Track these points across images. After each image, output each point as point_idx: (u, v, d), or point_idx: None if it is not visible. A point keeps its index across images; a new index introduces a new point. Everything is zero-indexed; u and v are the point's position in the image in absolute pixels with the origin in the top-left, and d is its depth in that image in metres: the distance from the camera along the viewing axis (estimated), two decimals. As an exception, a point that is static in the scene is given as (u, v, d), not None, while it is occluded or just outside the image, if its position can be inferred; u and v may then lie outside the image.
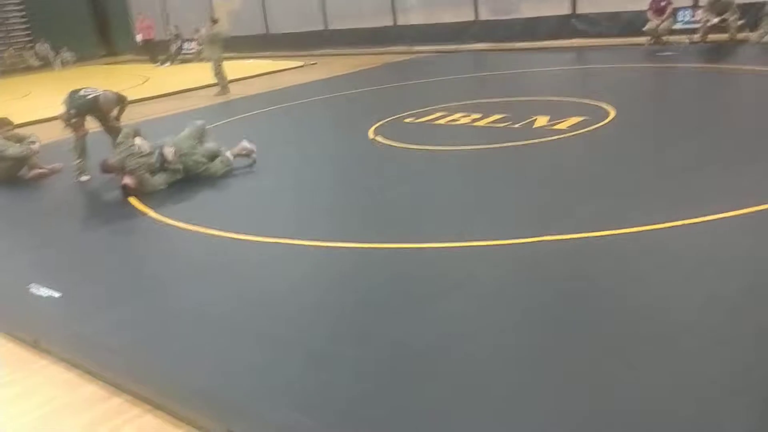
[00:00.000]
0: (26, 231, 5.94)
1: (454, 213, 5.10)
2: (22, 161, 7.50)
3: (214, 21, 13.17)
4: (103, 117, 7.35)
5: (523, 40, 14.79)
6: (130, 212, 5.96)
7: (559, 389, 2.75)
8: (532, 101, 8.78)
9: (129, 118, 11.15)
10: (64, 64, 24.17)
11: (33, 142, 7.62)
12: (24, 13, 24.84)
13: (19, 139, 7.69)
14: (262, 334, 3.51)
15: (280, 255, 4.60)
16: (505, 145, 6.75)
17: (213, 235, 5.06)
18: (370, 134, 7.87)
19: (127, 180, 6.30)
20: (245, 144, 6.99)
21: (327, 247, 4.57)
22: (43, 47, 24.61)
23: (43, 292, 4.36)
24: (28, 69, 23.64)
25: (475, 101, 9.17)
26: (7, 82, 20.31)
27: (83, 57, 24.85)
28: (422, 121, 8.34)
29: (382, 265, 4.25)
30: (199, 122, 7.10)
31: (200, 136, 6.88)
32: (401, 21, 17.45)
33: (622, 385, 2.71)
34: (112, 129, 7.31)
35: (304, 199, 5.96)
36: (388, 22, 17.58)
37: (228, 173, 6.68)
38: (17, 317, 4.15)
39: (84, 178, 7.20)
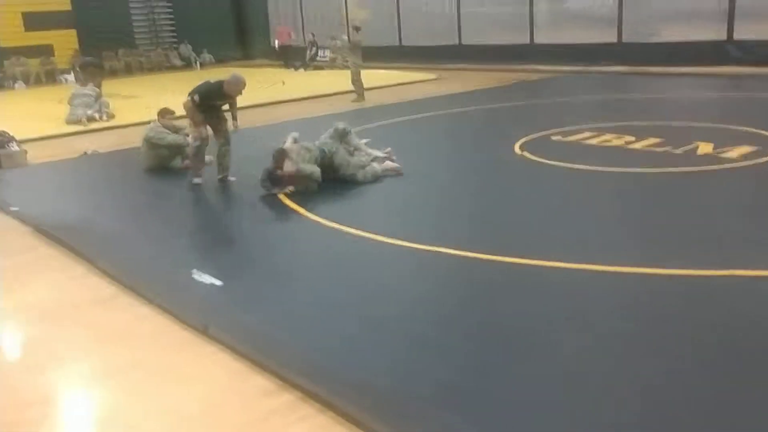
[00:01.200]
0: (182, 218, 6.14)
1: (614, 236, 4.80)
2: (177, 150, 7.78)
3: (357, 29, 13.34)
4: (228, 102, 6.94)
5: (668, 65, 14.06)
6: (280, 207, 6.04)
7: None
8: (689, 127, 8.26)
9: (271, 118, 11.57)
10: (203, 65, 25.39)
11: (187, 135, 7.90)
12: (172, 16, 26.35)
13: (175, 130, 8.00)
14: (428, 339, 3.38)
15: (439, 262, 4.48)
16: (667, 170, 6.34)
17: (364, 237, 5.02)
18: (517, 149, 7.64)
19: (292, 188, 6.36)
20: (392, 164, 6.95)
21: (473, 258, 4.40)
22: (185, 48, 25.99)
23: (206, 279, 4.43)
24: (171, 68, 24.99)
25: (624, 123, 8.73)
26: (154, 79, 21.51)
27: (221, 59, 26.00)
28: (571, 140, 8.02)
29: (537, 283, 4.03)
30: (341, 125, 7.11)
31: (341, 137, 6.87)
32: (538, 39, 17.08)
33: None
34: (219, 131, 6.96)
35: (450, 207, 5.83)
36: (524, 40, 17.26)
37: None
38: (185, 303, 4.21)
39: (197, 180, 7.04)
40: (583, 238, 4.78)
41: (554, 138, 8.18)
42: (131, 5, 25.25)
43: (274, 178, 6.31)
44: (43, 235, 5.90)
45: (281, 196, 6.25)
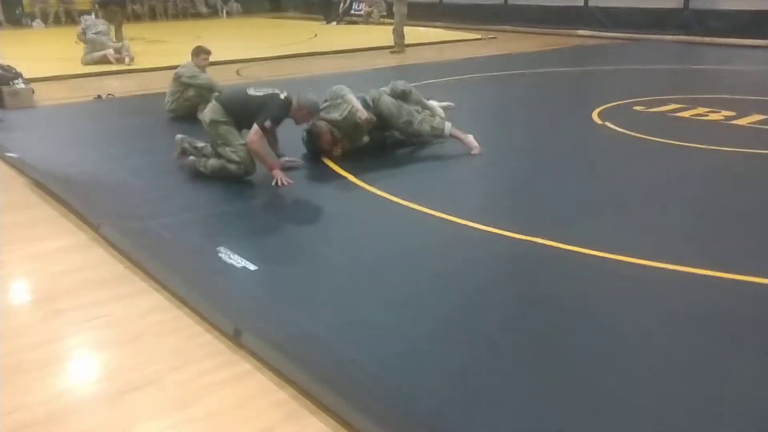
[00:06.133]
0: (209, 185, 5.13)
1: (732, 236, 3.75)
2: (209, 91, 6.74)
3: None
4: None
5: (746, 36, 12.72)
6: (330, 174, 5.05)
7: None
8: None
9: (304, 70, 10.50)
10: (230, 14, 24.25)
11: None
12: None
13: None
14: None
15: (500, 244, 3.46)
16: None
17: (425, 212, 4.00)
18: (596, 119, 6.55)
19: (338, 151, 5.37)
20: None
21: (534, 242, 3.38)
22: (213, -5, 24.78)
23: (236, 260, 3.46)
24: (197, 15, 23.81)
25: (717, 96, 7.59)
26: (179, 25, 20.42)
27: (249, 10, 24.83)
28: (657, 112, 6.90)
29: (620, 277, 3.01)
30: (400, 83, 6.03)
31: (402, 99, 5.78)
32: (593, 2, 15.72)
33: None
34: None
35: (525, 187, 4.77)
36: (579, 2, 15.90)
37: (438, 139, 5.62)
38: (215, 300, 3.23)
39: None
40: (699, 238, 3.74)
41: (637, 108, 7.06)
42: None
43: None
44: (41, 190, 4.94)
45: (332, 165, 5.24)
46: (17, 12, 20.60)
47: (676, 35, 13.73)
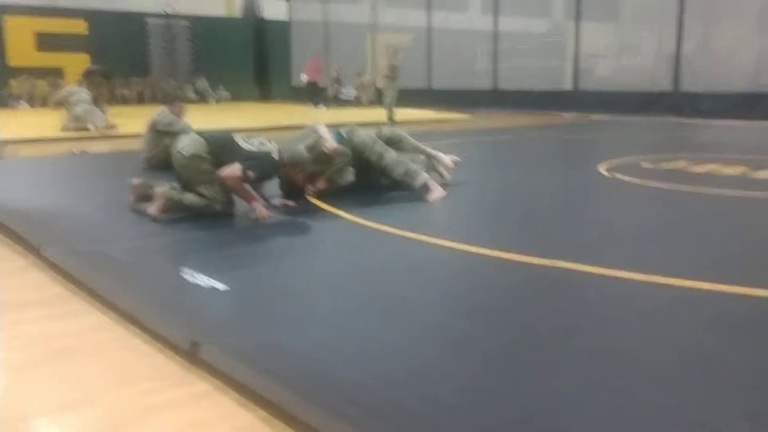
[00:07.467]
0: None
1: None
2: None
3: (395, 51, 12.07)
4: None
5: (736, 117, 12.61)
6: (308, 206, 4.48)
7: None
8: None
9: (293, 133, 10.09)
10: (218, 101, 24.27)
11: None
12: (192, 49, 25.30)
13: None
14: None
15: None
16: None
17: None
18: (604, 172, 6.11)
19: (321, 184, 4.84)
20: (446, 159, 5.44)
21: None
22: (202, 83, 24.87)
23: (202, 281, 2.83)
24: (186, 101, 23.77)
25: (724, 155, 7.23)
26: (165, 109, 20.29)
27: (238, 97, 24.91)
28: (669, 168, 6.48)
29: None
30: (387, 129, 5.57)
31: (391, 141, 5.26)
32: (583, 86, 15.76)
33: None
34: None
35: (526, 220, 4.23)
36: (568, 86, 15.96)
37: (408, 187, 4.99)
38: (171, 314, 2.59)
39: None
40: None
41: (645, 165, 6.64)
42: (150, 35, 24.25)
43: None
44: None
45: (312, 200, 4.70)
46: (1, 92, 20.40)
47: (666, 117, 13.63)
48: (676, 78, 14.05)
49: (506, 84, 17.43)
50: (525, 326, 2.37)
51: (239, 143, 4.20)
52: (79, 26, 22.33)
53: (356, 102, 19.07)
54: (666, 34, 14.37)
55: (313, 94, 20.14)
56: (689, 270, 2.94)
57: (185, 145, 4.21)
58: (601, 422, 1.72)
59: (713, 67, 13.70)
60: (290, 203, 4.48)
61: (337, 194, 4.78)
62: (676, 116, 13.55)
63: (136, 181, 4.45)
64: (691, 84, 13.80)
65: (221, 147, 4.18)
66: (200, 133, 4.35)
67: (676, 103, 13.93)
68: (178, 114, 6.72)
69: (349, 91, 19.85)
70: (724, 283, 2.75)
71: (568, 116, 14.88)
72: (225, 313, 2.49)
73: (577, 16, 15.92)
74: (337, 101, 19.83)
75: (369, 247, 3.58)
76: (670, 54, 14.22)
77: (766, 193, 5.01)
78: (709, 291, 2.69)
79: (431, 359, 2.08)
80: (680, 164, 6.63)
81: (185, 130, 6.48)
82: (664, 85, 14.19)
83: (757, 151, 8.18)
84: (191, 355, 2.15)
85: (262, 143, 4.26)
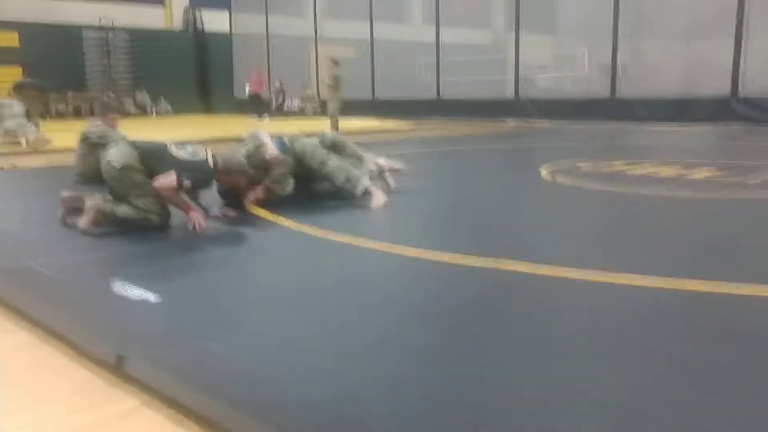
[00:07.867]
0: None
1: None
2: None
3: (336, 62, 12.03)
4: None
5: (672, 122, 13.00)
6: (248, 216, 4.37)
7: None
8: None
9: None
10: (159, 114, 23.81)
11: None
12: (131, 62, 24.73)
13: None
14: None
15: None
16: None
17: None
18: (545, 175, 6.18)
19: (260, 193, 4.73)
20: (389, 163, 5.42)
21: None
22: (142, 96, 24.37)
23: (134, 293, 2.70)
24: (125, 114, 23.26)
25: (661, 158, 7.42)
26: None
27: (179, 109, 24.47)
28: (606, 171, 6.60)
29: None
30: (329, 133, 5.53)
31: (334, 150, 5.21)
32: (524, 94, 16.04)
33: None
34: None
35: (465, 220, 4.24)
36: (509, 95, 16.21)
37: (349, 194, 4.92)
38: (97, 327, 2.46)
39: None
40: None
41: (584, 168, 6.76)
42: (85, 47, 23.60)
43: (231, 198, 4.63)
44: None
45: (252, 208, 4.59)
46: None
47: (604, 122, 13.97)
48: (613, 86, 14.46)
49: (449, 93, 17.63)
50: (463, 326, 2.34)
51: (172, 151, 4.07)
52: (11, 39, 21.60)
53: (301, 113, 18.96)
54: (602, 44, 14.78)
55: (257, 106, 19.95)
56: (627, 266, 2.97)
57: (116, 157, 4.05)
58: (552, 419, 1.69)
59: (647, 76, 14.17)
60: (230, 213, 4.38)
61: (279, 202, 4.69)
62: (614, 122, 13.93)
63: (66, 193, 4.26)
64: (626, 91, 14.24)
65: (153, 156, 4.03)
66: (131, 143, 4.21)
67: (613, 109, 14.33)
68: (113, 126, 6.48)
69: (293, 103, 19.72)
70: (661, 276, 2.78)
71: (510, 124, 15.10)
72: (155, 326, 2.37)
73: (517, 28, 16.26)
74: (282, 112, 19.69)
75: (310, 255, 3.50)
76: (606, 64, 14.64)
77: (700, 193, 5.16)
78: (644, 286, 2.72)
79: (380, 369, 2.02)
80: (618, 167, 6.78)
81: (119, 142, 6.30)
82: (602, 92, 14.59)
83: (690, 153, 8.44)
84: (117, 369, 2.04)
85: (195, 150, 4.15)
